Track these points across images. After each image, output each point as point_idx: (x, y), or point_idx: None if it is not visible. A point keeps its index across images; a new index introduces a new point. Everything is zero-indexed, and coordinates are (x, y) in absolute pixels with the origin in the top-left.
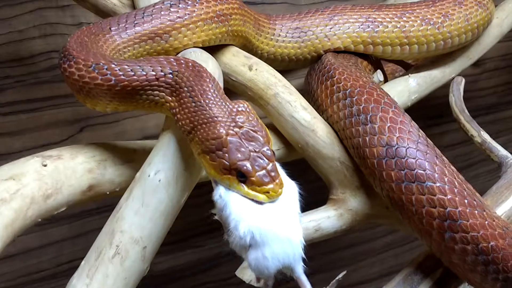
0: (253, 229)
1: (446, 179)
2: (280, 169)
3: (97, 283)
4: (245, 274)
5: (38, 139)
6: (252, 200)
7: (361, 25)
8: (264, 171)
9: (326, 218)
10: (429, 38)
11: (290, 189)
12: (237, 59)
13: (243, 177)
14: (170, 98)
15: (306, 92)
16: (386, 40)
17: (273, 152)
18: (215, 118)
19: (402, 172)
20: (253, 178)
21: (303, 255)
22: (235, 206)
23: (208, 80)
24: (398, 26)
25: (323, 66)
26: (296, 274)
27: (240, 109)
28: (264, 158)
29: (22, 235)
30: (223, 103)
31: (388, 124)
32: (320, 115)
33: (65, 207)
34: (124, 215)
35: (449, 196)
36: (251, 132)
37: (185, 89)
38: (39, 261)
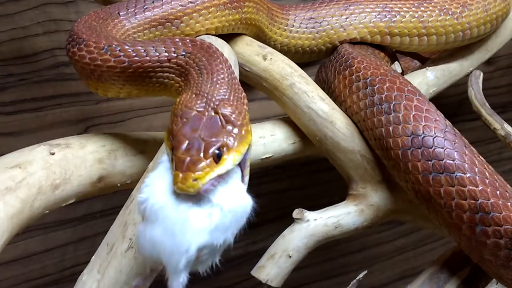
0: (151, 199)
1: (476, 169)
2: (238, 184)
3: (109, 279)
4: (262, 273)
5: (41, 139)
6: None
7: (378, 14)
8: (188, 158)
9: (346, 214)
10: (448, 29)
11: (235, 204)
12: (251, 49)
13: (172, 151)
14: (179, 79)
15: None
16: (404, 31)
17: (220, 159)
18: (205, 94)
19: (429, 162)
20: (174, 157)
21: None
22: (160, 172)
23: (223, 63)
24: (416, 16)
25: (340, 56)
26: (169, 283)
27: (236, 108)
28: (202, 151)
29: (25, 239)
30: (227, 88)
31: (413, 113)
32: (338, 107)
33: (74, 199)
34: None
35: (480, 187)
36: (217, 124)
37: (197, 68)
38: (42, 266)
